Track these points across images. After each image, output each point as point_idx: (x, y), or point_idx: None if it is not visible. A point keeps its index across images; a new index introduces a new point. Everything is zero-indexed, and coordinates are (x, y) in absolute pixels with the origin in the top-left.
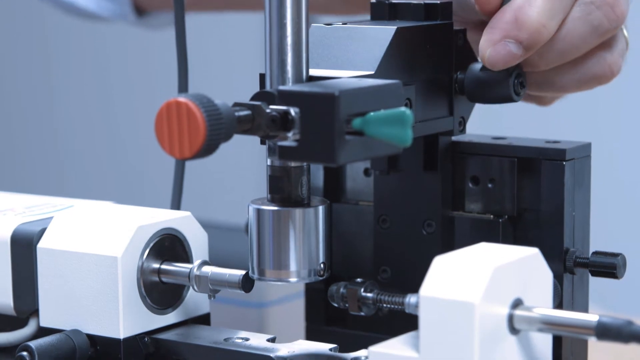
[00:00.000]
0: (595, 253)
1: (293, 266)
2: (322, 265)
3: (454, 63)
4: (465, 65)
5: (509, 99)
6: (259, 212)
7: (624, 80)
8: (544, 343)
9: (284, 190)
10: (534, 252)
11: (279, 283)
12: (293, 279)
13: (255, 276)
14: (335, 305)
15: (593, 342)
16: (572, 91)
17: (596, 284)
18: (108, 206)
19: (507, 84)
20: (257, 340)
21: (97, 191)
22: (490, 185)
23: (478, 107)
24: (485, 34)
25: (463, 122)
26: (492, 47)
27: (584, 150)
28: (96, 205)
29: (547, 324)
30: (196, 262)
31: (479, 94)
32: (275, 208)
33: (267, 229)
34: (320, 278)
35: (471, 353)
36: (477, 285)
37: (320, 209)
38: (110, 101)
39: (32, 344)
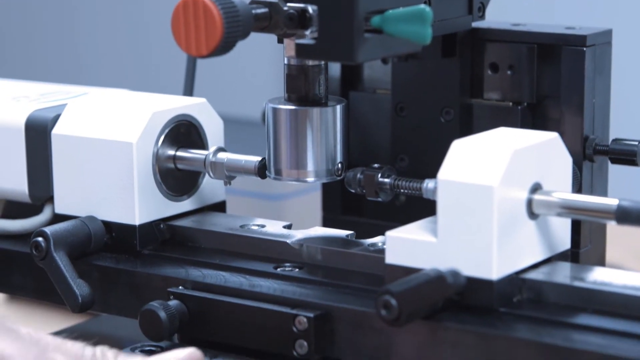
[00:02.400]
0: (615, 140)
1: (310, 166)
2: (339, 165)
3: None
4: None
5: None
6: (276, 111)
7: None
8: (562, 229)
9: (301, 89)
10: (553, 136)
11: (296, 183)
12: (310, 179)
13: (272, 176)
14: (352, 191)
15: (611, 238)
16: None
17: (615, 174)
18: (123, 93)
19: None
20: (273, 227)
21: (110, 82)
22: (509, 72)
23: None
24: None
25: (482, 8)
26: None
27: (605, 37)
28: (111, 93)
29: (566, 209)
30: (212, 149)
31: None
32: (293, 107)
33: (284, 129)
34: (338, 178)
35: (490, 237)
36: (496, 168)
37: (338, 108)
38: None
39: (47, 229)
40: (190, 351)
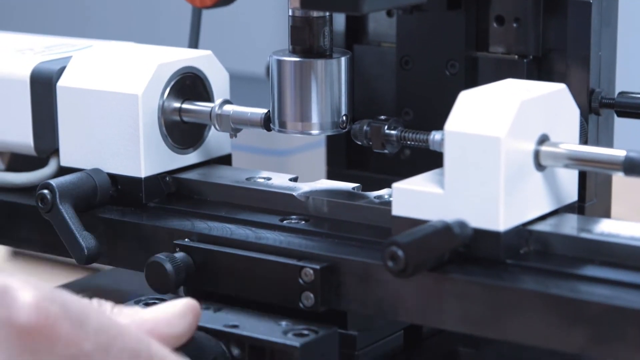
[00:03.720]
0: (621, 93)
1: (315, 118)
2: (344, 118)
3: None
4: None
5: None
6: (280, 63)
7: None
8: (570, 180)
9: (305, 41)
10: (561, 87)
11: (301, 136)
12: (315, 131)
13: (277, 128)
14: (359, 143)
15: (616, 194)
16: None
17: (621, 127)
18: (128, 46)
19: None
20: (280, 180)
21: (116, 35)
22: (515, 25)
23: None
24: None
25: None
26: None
27: None
28: (116, 45)
29: (573, 160)
30: (217, 101)
31: None
32: (297, 59)
33: (288, 81)
34: (343, 130)
35: (497, 189)
36: (503, 119)
37: (343, 60)
38: None
39: (53, 181)
40: (186, 301)
